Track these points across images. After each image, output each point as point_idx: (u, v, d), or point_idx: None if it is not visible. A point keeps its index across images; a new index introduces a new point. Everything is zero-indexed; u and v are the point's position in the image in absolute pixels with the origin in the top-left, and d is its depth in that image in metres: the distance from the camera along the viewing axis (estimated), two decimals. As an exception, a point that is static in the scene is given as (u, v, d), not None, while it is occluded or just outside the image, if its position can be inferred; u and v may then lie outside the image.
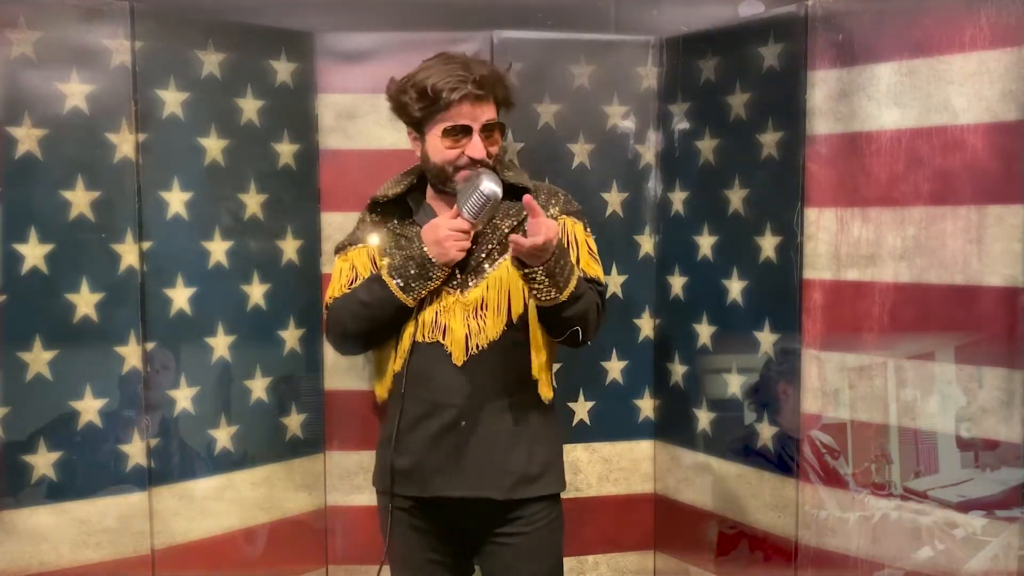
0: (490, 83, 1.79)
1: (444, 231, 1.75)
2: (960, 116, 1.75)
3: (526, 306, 1.81)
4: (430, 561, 1.87)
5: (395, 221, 1.90)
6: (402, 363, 1.84)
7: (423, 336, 1.82)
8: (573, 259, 1.80)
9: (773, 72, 2.02)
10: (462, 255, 1.77)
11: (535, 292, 1.71)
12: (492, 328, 1.80)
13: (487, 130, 1.79)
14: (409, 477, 1.84)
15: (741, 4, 2.57)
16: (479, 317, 1.80)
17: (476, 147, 1.77)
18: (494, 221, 1.82)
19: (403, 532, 1.87)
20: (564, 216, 1.86)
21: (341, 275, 1.91)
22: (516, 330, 1.82)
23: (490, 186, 1.71)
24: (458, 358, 1.80)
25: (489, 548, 1.86)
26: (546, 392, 1.86)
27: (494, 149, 1.81)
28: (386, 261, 1.84)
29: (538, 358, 1.83)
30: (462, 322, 1.80)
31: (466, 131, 1.77)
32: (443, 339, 1.81)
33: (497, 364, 1.81)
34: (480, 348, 1.80)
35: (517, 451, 1.82)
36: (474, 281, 1.82)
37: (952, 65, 1.75)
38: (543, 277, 1.68)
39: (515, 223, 1.83)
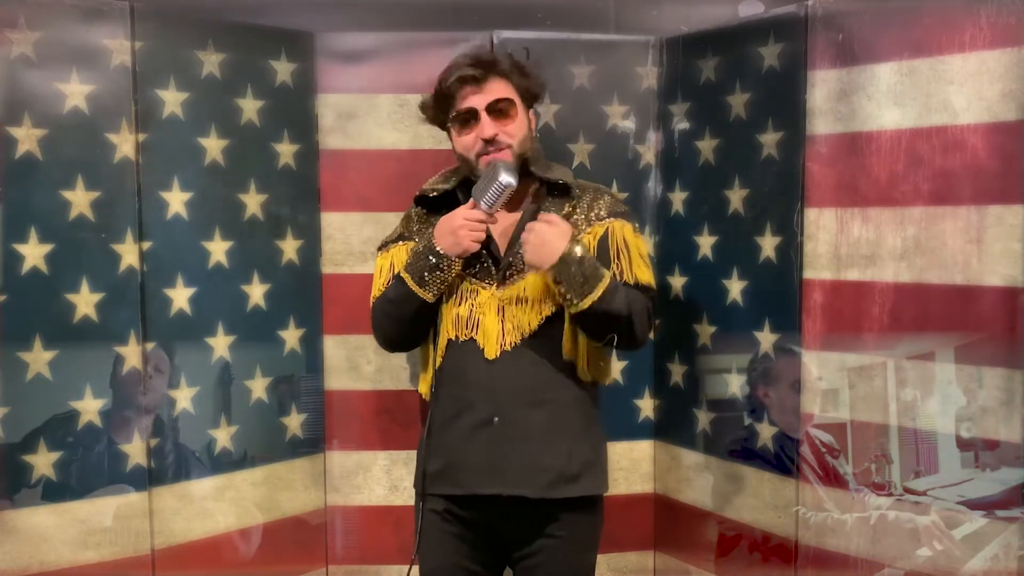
0: (492, 63, 1.78)
1: (459, 220, 1.75)
2: (960, 116, 1.74)
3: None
4: (461, 569, 1.83)
5: (438, 217, 1.87)
6: (439, 360, 1.84)
7: (458, 333, 1.81)
8: (625, 264, 1.80)
9: (773, 72, 2.02)
10: (476, 246, 1.76)
11: (558, 297, 1.73)
12: (526, 323, 1.78)
13: (495, 110, 1.77)
14: (443, 476, 1.82)
15: (741, 4, 2.57)
16: (514, 313, 1.79)
17: (484, 127, 1.77)
18: (527, 220, 1.79)
19: (435, 536, 1.83)
20: (611, 219, 1.84)
21: (381, 274, 1.92)
22: (553, 325, 1.79)
23: (503, 175, 1.71)
24: (490, 353, 1.78)
25: (524, 551, 1.81)
26: (584, 375, 1.82)
27: (511, 128, 1.79)
28: None
29: (569, 342, 1.80)
30: (496, 317, 1.79)
31: (473, 115, 1.78)
32: (476, 335, 1.79)
33: (533, 359, 1.79)
34: (514, 344, 1.78)
35: (555, 448, 1.78)
36: (511, 279, 1.81)
37: (952, 65, 1.75)
38: (555, 285, 1.70)
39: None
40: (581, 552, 1.84)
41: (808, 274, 1.98)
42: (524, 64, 1.85)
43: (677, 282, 2.28)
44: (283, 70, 2.19)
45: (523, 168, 1.82)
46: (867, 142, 1.87)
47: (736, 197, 2.12)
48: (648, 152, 2.32)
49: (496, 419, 1.78)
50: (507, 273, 1.81)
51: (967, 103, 1.73)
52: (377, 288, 1.91)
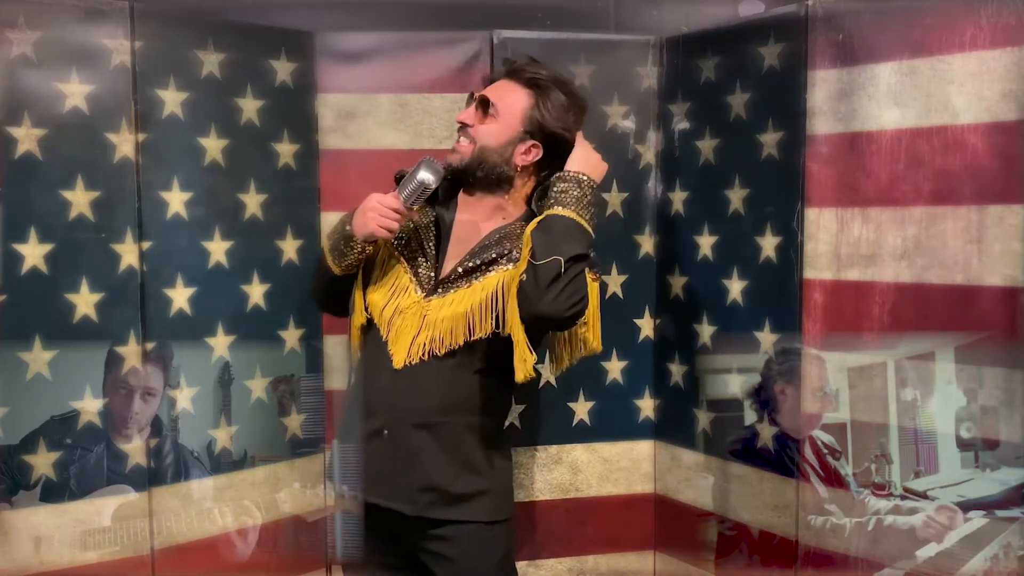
0: (520, 71, 1.80)
1: (371, 203, 1.73)
2: (960, 116, 1.74)
3: (493, 335, 1.70)
4: (376, 563, 1.85)
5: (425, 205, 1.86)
6: (358, 336, 1.84)
7: (380, 326, 1.77)
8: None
9: (773, 72, 2.02)
10: (384, 233, 1.73)
11: (556, 195, 1.70)
12: (445, 342, 1.71)
13: (482, 103, 1.79)
14: (350, 474, 1.84)
15: (741, 4, 2.57)
16: (434, 327, 1.72)
17: (464, 111, 1.80)
18: (491, 244, 1.77)
19: (359, 530, 1.86)
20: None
21: None
22: (470, 353, 1.72)
23: (424, 174, 1.71)
24: (398, 362, 1.73)
25: (422, 563, 1.79)
26: (521, 370, 1.67)
27: (484, 127, 1.78)
28: (392, 245, 1.85)
29: (517, 335, 1.65)
30: (413, 328, 1.74)
31: (471, 99, 1.81)
32: (388, 337, 1.76)
33: (437, 378, 1.72)
34: (423, 359, 1.71)
35: (439, 471, 1.73)
36: (442, 292, 1.76)
37: (952, 65, 1.75)
38: (573, 183, 1.71)
39: (505, 251, 1.75)
40: (474, 570, 1.76)
41: (808, 274, 1.97)
42: (559, 103, 1.78)
43: (677, 282, 2.28)
44: (283, 70, 2.19)
45: (495, 177, 1.78)
46: (867, 142, 1.87)
47: (736, 197, 2.12)
48: (648, 152, 2.32)
49: (386, 432, 1.75)
50: (439, 286, 1.76)
51: (967, 103, 1.73)
52: None
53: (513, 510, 1.87)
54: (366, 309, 1.82)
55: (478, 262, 1.75)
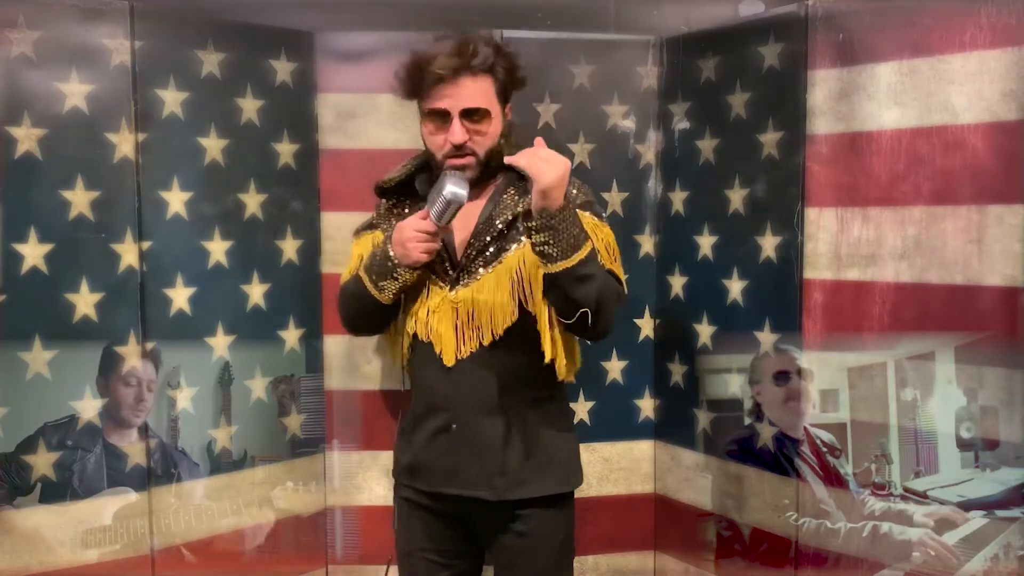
0: (472, 58, 1.70)
1: (409, 232, 1.72)
2: (960, 116, 1.74)
3: (521, 310, 1.75)
4: (427, 553, 1.87)
5: (407, 206, 1.89)
6: (407, 358, 1.87)
7: (419, 333, 1.82)
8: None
9: (773, 72, 2.02)
10: (427, 257, 1.74)
11: (539, 252, 1.62)
12: (485, 332, 1.76)
13: (470, 115, 1.72)
14: (411, 470, 1.87)
15: (741, 4, 2.57)
16: (471, 319, 1.77)
17: (455, 132, 1.71)
18: (490, 218, 1.78)
19: (406, 522, 1.89)
20: (577, 211, 1.71)
21: (351, 259, 1.93)
22: (513, 334, 1.76)
23: (452, 189, 1.67)
24: (448, 360, 1.78)
25: (495, 547, 1.85)
26: (565, 375, 1.79)
27: (482, 134, 1.74)
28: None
29: (548, 340, 1.73)
30: (451, 323, 1.77)
31: (445, 116, 1.72)
32: (433, 340, 1.80)
33: (491, 366, 1.77)
34: (472, 352, 1.77)
35: (511, 453, 1.79)
36: (465, 280, 1.78)
37: (952, 65, 1.75)
38: (546, 235, 1.59)
39: (513, 214, 1.76)
40: (552, 547, 1.85)
41: (808, 274, 1.97)
42: (509, 54, 1.77)
43: (677, 282, 2.28)
44: (283, 70, 2.19)
45: (494, 163, 1.77)
46: (867, 142, 1.87)
47: (736, 197, 2.12)
48: (648, 152, 2.32)
49: (454, 426, 1.80)
50: (463, 272, 1.78)
51: (967, 103, 1.73)
52: (346, 274, 1.93)
53: (581, 478, 1.92)
54: (403, 341, 1.89)
55: (487, 239, 1.77)
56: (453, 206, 1.69)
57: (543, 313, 1.73)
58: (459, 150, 1.73)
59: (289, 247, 2.22)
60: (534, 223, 1.61)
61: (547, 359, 1.74)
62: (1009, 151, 1.69)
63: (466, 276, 1.79)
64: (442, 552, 1.88)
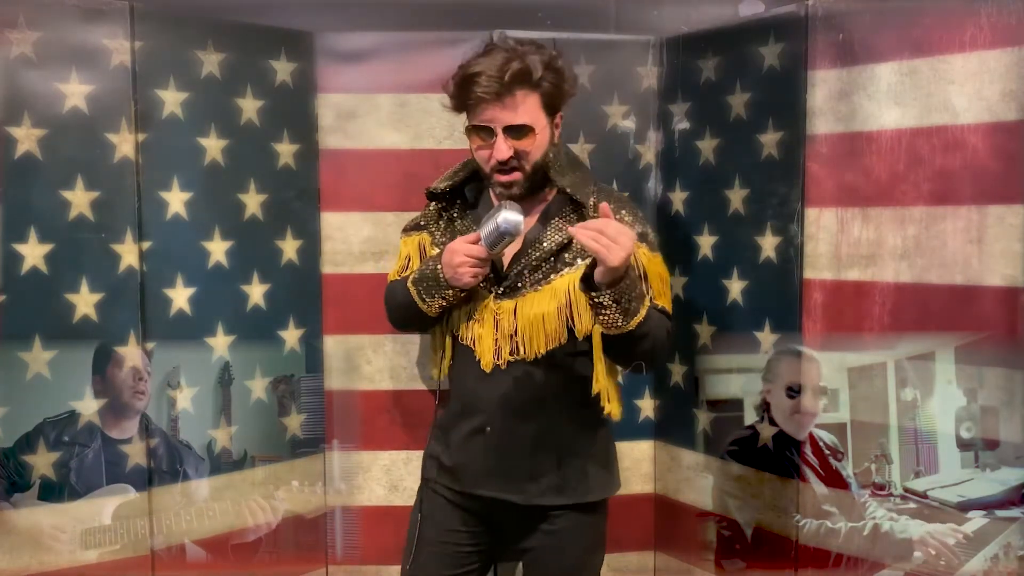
0: (519, 75, 1.67)
1: (460, 257, 1.73)
2: (960, 116, 1.74)
3: (570, 330, 1.76)
4: (452, 546, 1.87)
5: (456, 210, 1.91)
6: (446, 359, 1.89)
7: (464, 337, 1.84)
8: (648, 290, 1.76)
9: (773, 72, 2.02)
10: (475, 281, 1.76)
11: (601, 319, 1.65)
12: (526, 346, 1.77)
13: (514, 131, 1.70)
14: (446, 469, 1.88)
15: (741, 4, 2.57)
16: (513, 331, 1.77)
17: (499, 149, 1.70)
18: (539, 238, 1.78)
19: (436, 514, 1.89)
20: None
21: (399, 258, 1.98)
22: (554, 349, 1.77)
23: (508, 220, 1.67)
24: (486, 365, 1.80)
25: (523, 547, 1.86)
26: (613, 409, 1.82)
27: (528, 149, 1.72)
28: (434, 252, 1.87)
29: (599, 370, 1.79)
30: (491, 332, 1.79)
31: (489, 132, 1.71)
32: (473, 345, 1.82)
33: (529, 374, 1.79)
34: (509, 363, 1.78)
35: (545, 460, 1.80)
36: (511, 291, 1.80)
37: (952, 65, 1.75)
38: (610, 302, 1.62)
39: (564, 240, 1.76)
40: (582, 551, 1.86)
41: (808, 274, 1.97)
42: (559, 67, 1.73)
43: (677, 282, 2.28)
44: (283, 70, 2.19)
45: (542, 175, 1.79)
46: (867, 142, 1.87)
47: (736, 197, 2.12)
48: (648, 152, 2.32)
49: (488, 428, 1.81)
50: (508, 285, 1.81)
51: (968, 103, 1.73)
52: (393, 272, 1.99)
53: (617, 486, 1.92)
54: (445, 341, 1.91)
55: (536, 256, 1.78)
56: (507, 238, 1.69)
57: (597, 345, 1.77)
58: (504, 165, 1.73)
59: (289, 247, 2.22)
60: (596, 296, 1.63)
61: (594, 392, 1.80)
62: (1009, 151, 1.69)
63: (511, 290, 1.80)
64: (464, 548, 1.88)
